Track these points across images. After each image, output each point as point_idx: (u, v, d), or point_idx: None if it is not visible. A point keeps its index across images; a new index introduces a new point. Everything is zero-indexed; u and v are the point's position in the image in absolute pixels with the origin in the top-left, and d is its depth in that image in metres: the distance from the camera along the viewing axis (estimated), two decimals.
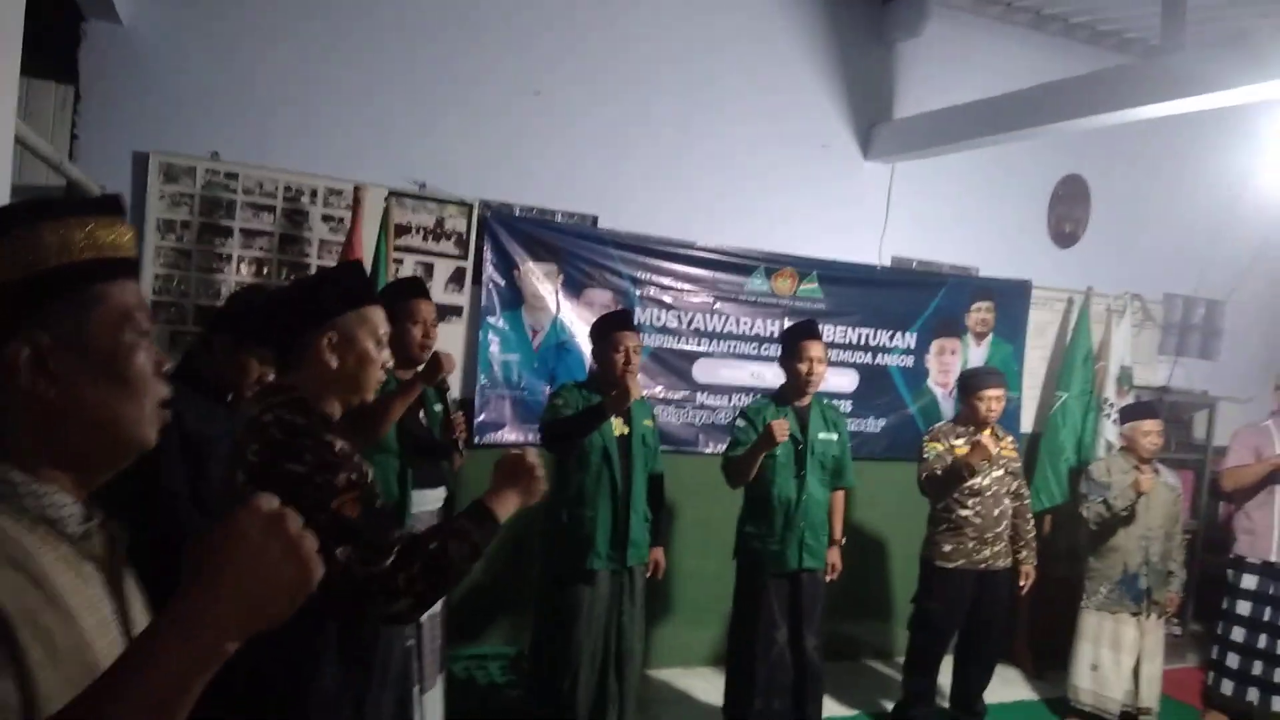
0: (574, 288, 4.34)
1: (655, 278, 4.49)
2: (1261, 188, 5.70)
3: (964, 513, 3.99)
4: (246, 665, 1.01)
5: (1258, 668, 4.50)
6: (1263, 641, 4.49)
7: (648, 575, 3.70)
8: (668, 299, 4.53)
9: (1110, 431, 5.08)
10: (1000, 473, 4.02)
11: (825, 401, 3.95)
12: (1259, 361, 5.97)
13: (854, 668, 4.90)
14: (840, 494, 3.92)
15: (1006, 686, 4.57)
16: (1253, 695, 4.52)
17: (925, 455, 4.03)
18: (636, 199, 4.44)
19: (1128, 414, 4.47)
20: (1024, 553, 4.12)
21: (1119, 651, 4.29)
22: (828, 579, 3.86)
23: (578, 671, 3.48)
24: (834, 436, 3.83)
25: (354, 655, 1.64)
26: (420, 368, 3.09)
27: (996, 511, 4.01)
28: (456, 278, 4.16)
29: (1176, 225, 5.64)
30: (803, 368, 3.72)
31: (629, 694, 3.62)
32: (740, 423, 3.76)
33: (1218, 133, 5.49)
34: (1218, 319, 5.93)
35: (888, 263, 5.00)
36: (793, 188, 4.75)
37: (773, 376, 4.53)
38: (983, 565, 4.00)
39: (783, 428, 3.51)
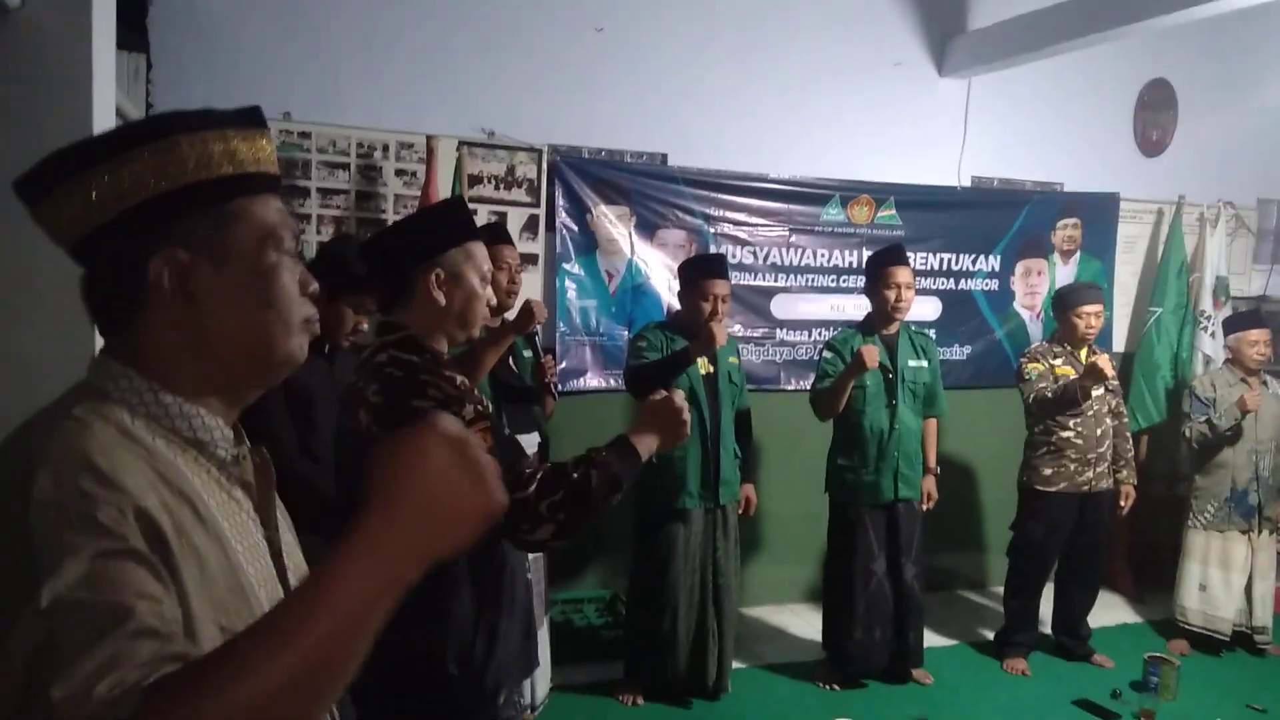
0: (647, 229, 4.28)
1: (728, 214, 4.41)
2: None
3: (1066, 434, 3.88)
4: None
5: None
6: None
7: (740, 512, 3.69)
8: (742, 234, 4.45)
9: (1208, 346, 4.89)
10: (1101, 391, 3.90)
11: (913, 328, 3.86)
12: None
13: (949, 598, 4.85)
14: (933, 422, 3.84)
15: (1107, 610, 4.48)
16: None
17: (1028, 376, 3.91)
18: (705, 134, 4.34)
19: (1231, 325, 4.28)
20: (1124, 472, 4.01)
21: (1229, 571, 4.16)
22: (924, 508, 3.81)
23: (677, 609, 3.50)
24: (924, 364, 3.74)
25: (485, 583, 1.65)
26: (507, 315, 3.08)
27: (1099, 431, 3.89)
28: (530, 225, 4.13)
29: (1269, 126, 5.34)
30: (890, 294, 3.63)
31: (728, 629, 3.63)
32: (827, 354, 3.70)
33: None
34: None
35: (967, 183, 4.84)
36: (865, 111, 4.60)
37: (853, 309, 4.45)
38: (1085, 487, 3.90)
39: (873, 353, 3.44)
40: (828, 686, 3.79)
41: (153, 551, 0.76)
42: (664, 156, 4.31)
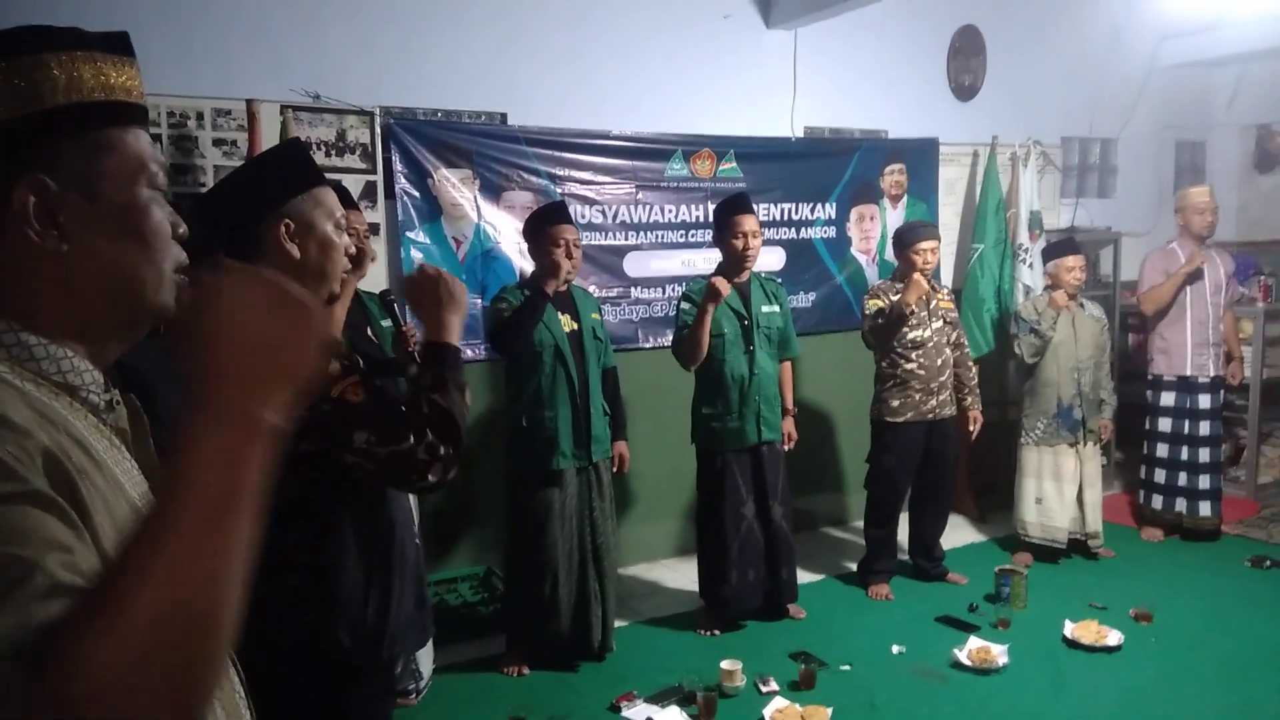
0: (492, 192, 4.16)
1: (574, 172, 4.34)
2: (1142, 22, 5.85)
3: (909, 366, 4.07)
4: (270, 576, 0.94)
5: (1182, 479, 4.81)
6: (1184, 454, 4.78)
7: (614, 470, 3.67)
8: (589, 193, 4.40)
9: (1027, 276, 5.23)
10: (939, 324, 4.11)
11: (764, 275, 3.94)
12: (1152, 194, 6.23)
13: (812, 536, 5.03)
14: (788, 365, 3.94)
15: (954, 532, 4.75)
16: (1180, 505, 4.83)
17: (868, 311, 4.08)
18: (544, 92, 4.25)
19: (1050, 253, 4.60)
20: (969, 399, 4.25)
21: (1061, 482, 4.50)
22: (786, 448, 3.91)
23: (557, 572, 3.46)
24: (776, 308, 3.83)
25: (373, 547, 1.56)
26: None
27: (939, 361, 4.10)
28: (368, 193, 3.93)
29: (1068, 68, 5.75)
30: (738, 243, 3.69)
31: (609, 589, 3.62)
32: (684, 305, 3.72)
33: None
34: (1112, 157, 6.12)
35: (800, 134, 4.96)
36: (701, 65, 4.62)
37: (704, 263, 4.50)
38: (931, 415, 4.11)
39: (723, 283, 3.50)
40: (709, 633, 3.85)
41: (59, 495, 0.68)
42: (503, 116, 4.19)
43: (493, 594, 3.94)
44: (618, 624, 3.79)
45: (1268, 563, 4.48)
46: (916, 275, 3.93)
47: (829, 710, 3.12)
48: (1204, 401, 4.74)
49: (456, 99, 4.08)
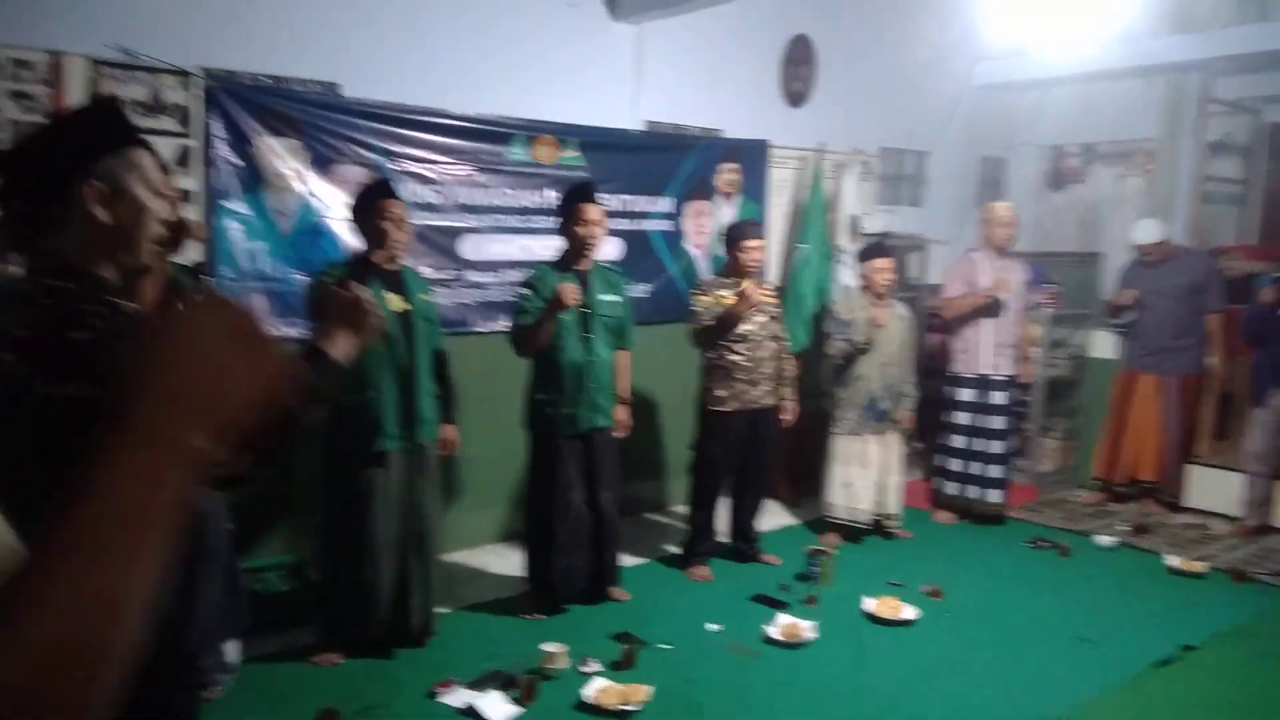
0: (322, 165, 4.01)
1: (410, 150, 4.25)
2: (958, 45, 6.30)
3: (734, 358, 4.25)
4: None
5: (974, 468, 5.24)
6: (977, 445, 5.22)
7: (440, 454, 3.64)
8: (426, 172, 4.32)
9: (845, 276, 5.54)
10: (764, 318, 4.30)
11: (605, 265, 4.00)
12: (957, 205, 6.72)
13: (636, 522, 5.15)
14: (624, 354, 4.01)
15: (769, 516, 4.98)
16: (971, 493, 5.27)
17: (695, 308, 4.22)
18: (381, 64, 4.14)
19: (864, 255, 4.90)
20: (787, 390, 4.47)
21: (866, 468, 4.82)
22: (618, 435, 3.99)
23: (378, 557, 3.40)
24: (617, 299, 3.90)
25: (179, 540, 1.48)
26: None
27: (762, 354, 4.29)
28: (182, 158, 3.70)
29: (890, 83, 6.12)
30: (582, 231, 3.73)
31: (432, 575, 3.59)
32: (525, 291, 3.73)
33: None
34: (924, 169, 6.57)
35: (642, 127, 5.05)
36: (544, 51, 4.63)
37: (542, 250, 4.50)
38: (753, 405, 4.30)
39: (572, 290, 3.52)
40: (532, 617, 3.88)
41: None
42: (337, 86, 4.05)
43: (304, 582, 3.81)
44: (440, 610, 3.76)
45: (1044, 543, 4.95)
46: (748, 286, 4.09)
47: (649, 688, 3.22)
48: (997, 398, 5.18)
49: (286, 65, 3.91)
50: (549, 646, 3.44)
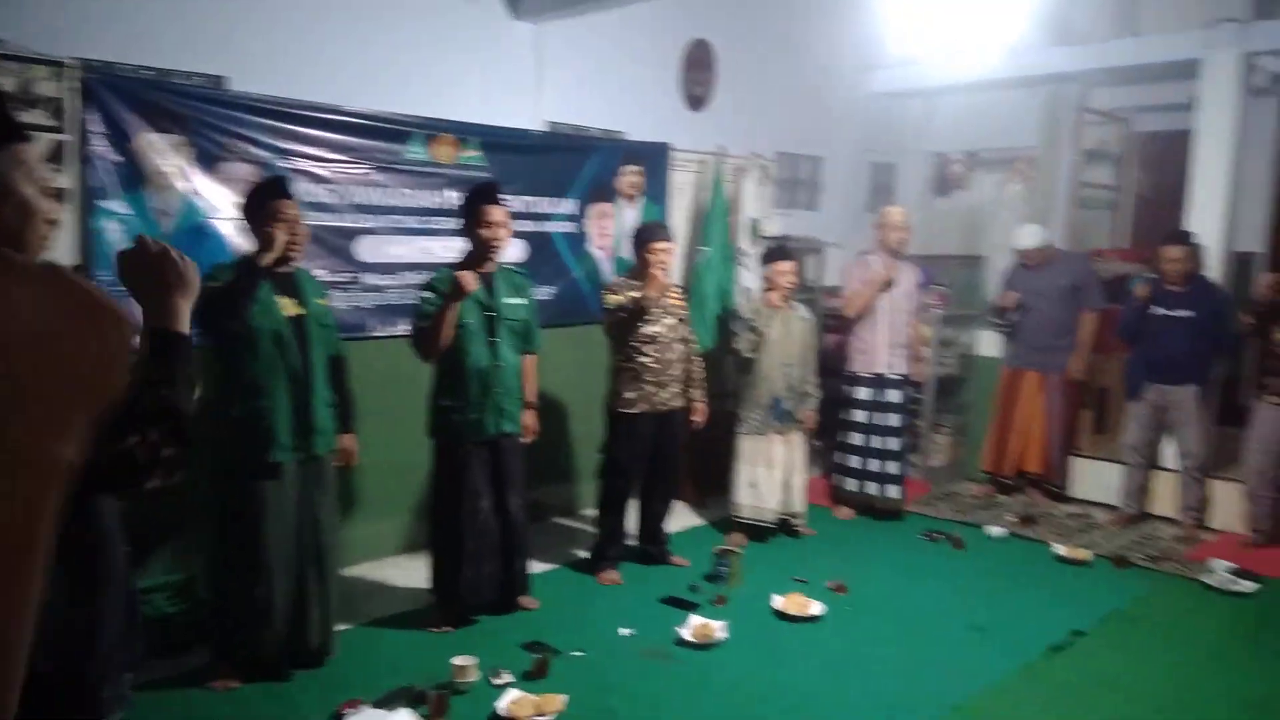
0: (207, 162, 3.81)
1: (301, 147, 4.08)
2: (851, 53, 6.47)
3: (643, 360, 4.24)
4: None
5: (872, 465, 5.38)
6: (875, 442, 5.35)
7: (340, 464, 3.50)
8: (319, 171, 4.15)
9: (746, 278, 5.61)
10: (672, 320, 4.31)
11: (510, 267, 3.93)
12: (849, 210, 6.89)
13: (543, 528, 5.08)
14: (531, 358, 3.95)
15: (676, 517, 4.99)
16: (870, 488, 5.40)
17: (608, 306, 4.20)
18: (272, 57, 3.96)
19: (767, 258, 4.97)
20: (696, 392, 4.49)
21: (771, 468, 4.88)
22: (525, 441, 3.92)
23: (272, 574, 3.25)
24: (523, 301, 3.83)
25: (77, 560, 1.36)
26: None
27: (670, 356, 4.30)
28: (55, 154, 3.45)
29: (787, 89, 6.23)
30: (485, 233, 3.65)
31: (331, 590, 3.45)
32: (426, 294, 3.62)
33: None
34: (819, 174, 6.71)
35: (543, 128, 4.99)
36: (443, 48, 4.52)
37: (443, 251, 4.40)
38: (662, 407, 4.30)
39: (470, 278, 3.45)
40: (439, 630, 3.78)
41: None
42: (224, 80, 3.85)
43: (194, 602, 3.61)
44: (340, 627, 3.62)
45: (939, 535, 5.12)
46: (658, 272, 4.10)
47: (563, 697, 3.17)
48: (893, 396, 5.33)
49: (169, 57, 3.69)
50: (458, 660, 3.35)
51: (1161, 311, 5.07)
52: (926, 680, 3.48)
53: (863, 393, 5.36)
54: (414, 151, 4.43)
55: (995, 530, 5.19)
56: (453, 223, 4.24)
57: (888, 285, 5.20)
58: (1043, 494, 5.80)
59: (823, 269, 6.40)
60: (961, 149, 7.30)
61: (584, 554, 4.61)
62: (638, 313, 4.13)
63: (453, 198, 4.49)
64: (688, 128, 5.70)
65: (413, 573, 4.27)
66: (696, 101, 5.77)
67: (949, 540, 5.06)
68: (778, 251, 4.94)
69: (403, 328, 4.36)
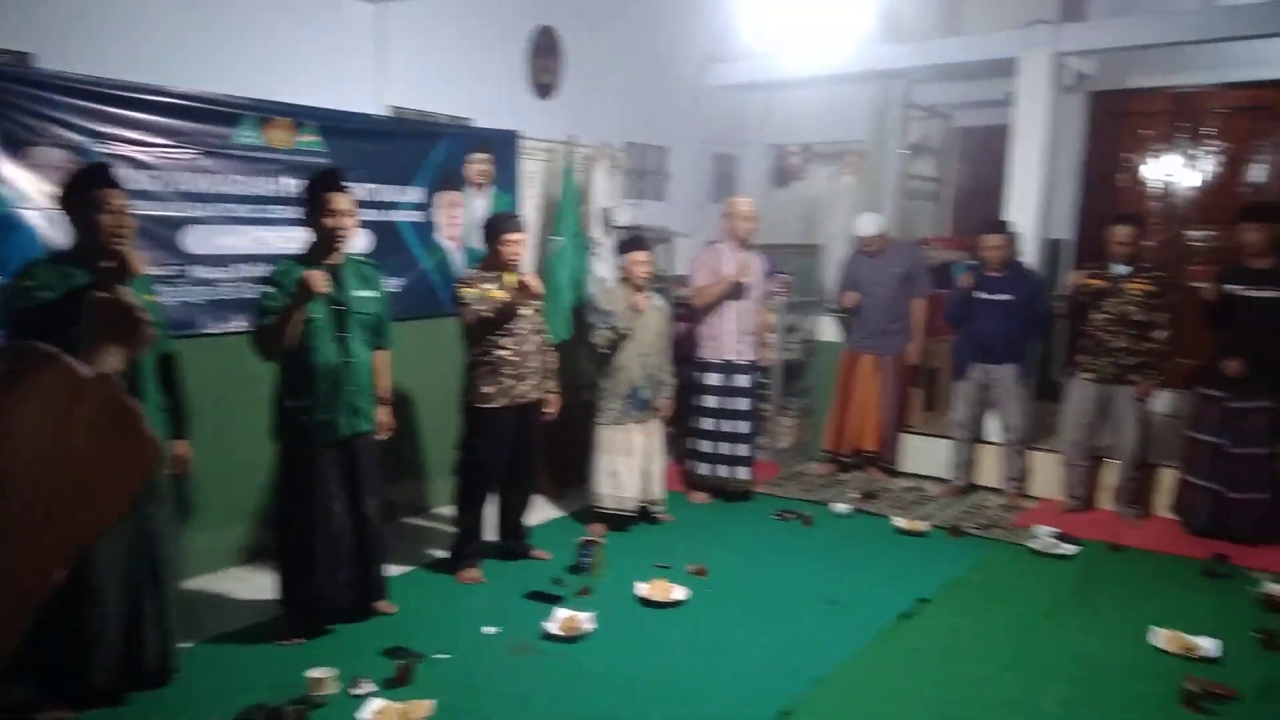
0: (14, 147, 3.44)
1: (120, 131, 3.75)
2: (694, 44, 6.56)
3: (501, 353, 4.15)
4: None
5: (723, 449, 5.50)
6: (725, 426, 5.47)
7: (171, 473, 3.26)
8: (140, 156, 3.83)
9: (600, 268, 5.60)
10: (529, 311, 4.24)
11: (358, 258, 3.75)
12: (695, 200, 7.01)
13: (398, 528, 4.92)
14: (383, 353, 3.79)
15: (536, 510, 4.94)
16: (722, 472, 5.52)
17: (465, 301, 4.09)
18: (85, 32, 3.62)
19: (623, 248, 4.97)
20: (550, 383, 4.45)
21: (631, 457, 4.91)
22: (380, 438, 3.78)
23: (104, 594, 2.99)
24: (374, 294, 3.67)
25: None
26: None
27: (529, 347, 4.24)
28: None
29: (634, 79, 6.26)
30: (329, 223, 3.47)
31: (169, 606, 3.22)
32: (268, 288, 3.41)
33: None
34: (666, 164, 6.78)
35: (386, 112, 4.80)
36: (275, 25, 4.26)
37: (280, 242, 4.18)
38: (520, 400, 4.24)
39: (318, 277, 3.27)
40: (291, 642, 3.58)
41: None
42: (30, 57, 3.48)
43: None
44: (182, 645, 3.37)
45: (789, 514, 5.30)
46: (529, 279, 4.04)
47: (430, 702, 3.08)
48: (741, 381, 5.46)
49: None
50: (314, 672, 3.19)
51: (983, 295, 5.42)
52: (789, 656, 3.60)
53: (713, 379, 5.46)
54: (246, 135, 4.16)
55: (840, 507, 5.42)
56: (291, 211, 4.03)
57: (736, 288, 5.31)
58: (879, 470, 6.11)
59: (672, 258, 6.48)
60: (798, 142, 7.56)
61: (442, 553, 4.49)
62: (505, 316, 4.04)
63: (290, 185, 4.25)
64: (536, 116, 5.63)
65: (255, 584, 4.04)
66: (545, 89, 5.70)
67: (799, 519, 5.25)
68: (634, 241, 4.95)
69: (237, 324, 4.10)
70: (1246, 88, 6.39)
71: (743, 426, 5.49)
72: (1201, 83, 6.54)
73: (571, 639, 3.65)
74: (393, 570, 4.18)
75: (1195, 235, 6.67)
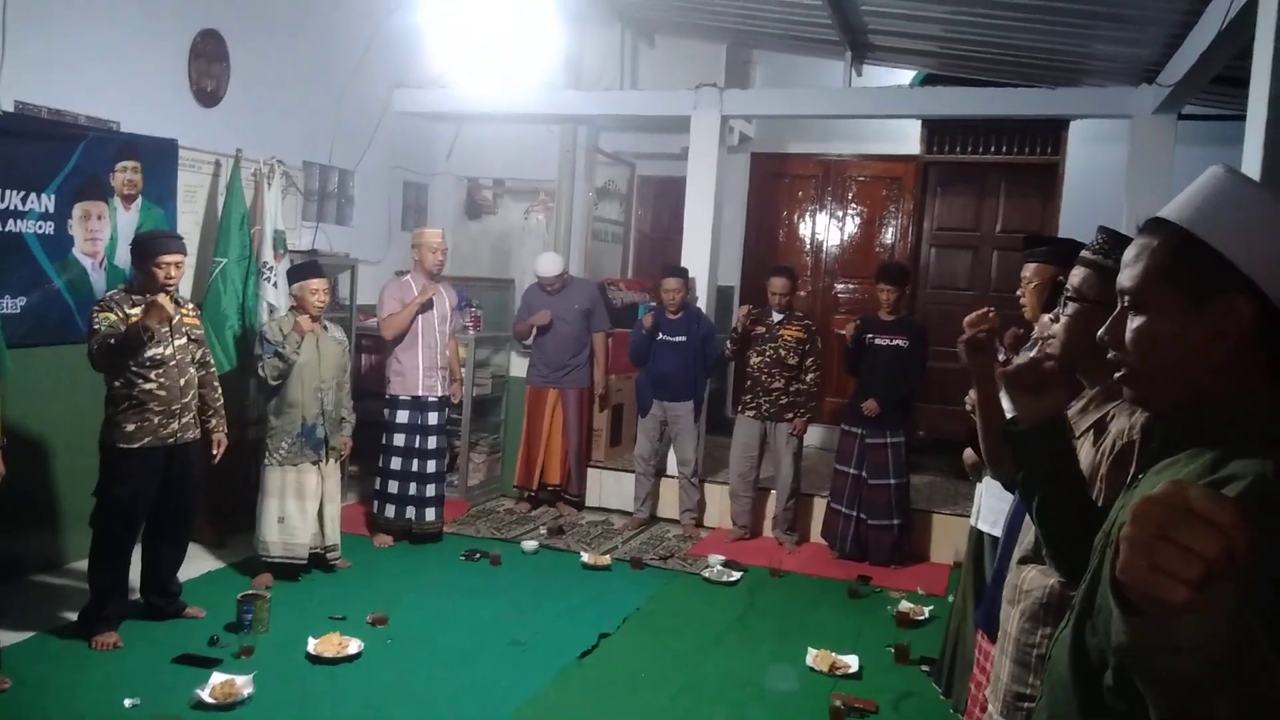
0: None
1: None
2: (378, 66, 6.34)
3: (148, 386, 3.69)
4: None
5: (412, 488, 5.30)
6: (415, 465, 5.28)
7: None
8: None
9: (271, 295, 5.18)
10: (184, 341, 3.82)
11: None
12: (384, 227, 6.77)
13: (19, 586, 4.21)
14: None
15: (191, 562, 4.41)
16: (409, 513, 5.31)
17: (96, 326, 3.59)
18: None
19: (295, 274, 4.62)
20: (214, 421, 4.04)
21: (304, 499, 4.55)
22: None
23: None
24: None
25: None
26: None
27: (183, 381, 3.81)
28: None
29: (311, 94, 5.92)
30: None
31: None
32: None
33: None
34: (349, 188, 6.48)
35: (9, 109, 4.13)
36: None
37: None
38: (172, 440, 3.79)
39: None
40: None
41: None
42: None
43: None
44: None
45: (478, 555, 5.18)
46: (161, 297, 3.57)
47: None
48: (432, 418, 5.30)
49: None
50: None
51: (662, 336, 5.71)
52: (470, 702, 3.49)
53: (402, 416, 5.26)
54: None
55: (529, 545, 5.40)
56: None
57: (424, 308, 5.17)
58: (566, 504, 6.19)
59: (356, 287, 6.17)
60: (490, 176, 7.56)
61: (72, 615, 3.87)
62: (135, 343, 3.57)
63: None
64: (199, 125, 5.14)
65: None
66: (209, 97, 5.22)
67: (487, 558, 5.15)
68: (307, 268, 4.62)
69: None
70: (882, 160, 7.36)
71: (432, 465, 5.32)
72: (845, 153, 7.43)
73: (227, 706, 3.28)
74: (9, 638, 3.56)
75: (840, 288, 7.52)
